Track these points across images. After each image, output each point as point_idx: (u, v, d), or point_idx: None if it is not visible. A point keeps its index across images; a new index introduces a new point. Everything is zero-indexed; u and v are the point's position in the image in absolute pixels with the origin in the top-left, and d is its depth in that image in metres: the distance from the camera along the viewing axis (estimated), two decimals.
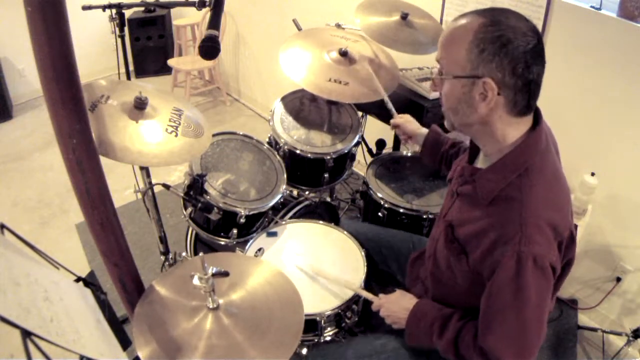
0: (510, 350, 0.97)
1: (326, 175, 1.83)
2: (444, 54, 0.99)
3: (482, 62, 0.91)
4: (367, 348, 1.25)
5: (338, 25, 2.06)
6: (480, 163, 1.11)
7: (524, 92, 0.93)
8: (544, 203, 0.94)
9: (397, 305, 1.24)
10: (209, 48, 1.19)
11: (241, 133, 1.79)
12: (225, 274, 1.03)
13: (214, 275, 1.01)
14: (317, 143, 1.82)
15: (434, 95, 1.87)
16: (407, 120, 1.63)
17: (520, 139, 0.98)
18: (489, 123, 0.98)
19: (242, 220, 1.53)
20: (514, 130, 0.98)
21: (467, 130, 1.05)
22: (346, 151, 1.83)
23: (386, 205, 1.70)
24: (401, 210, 1.67)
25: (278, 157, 1.77)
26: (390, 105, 1.69)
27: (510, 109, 0.95)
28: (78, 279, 0.98)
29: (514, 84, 0.92)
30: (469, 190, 1.05)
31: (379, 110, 1.71)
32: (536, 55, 0.91)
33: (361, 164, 2.49)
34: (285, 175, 1.71)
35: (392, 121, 1.67)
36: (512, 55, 0.89)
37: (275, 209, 1.69)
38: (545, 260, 0.92)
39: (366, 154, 2.27)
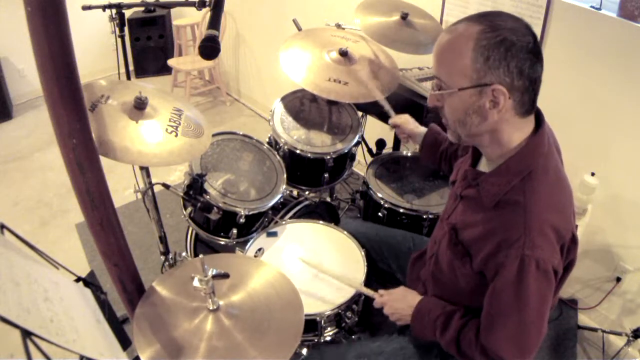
0: (511, 350, 0.98)
1: (326, 175, 1.83)
2: (444, 67, 0.97)
3: (489, 70, 0.90)
4: (365, 349, 1.25)
5: (338, 26, 2.06)
6: (483, 166, 1.11)
7: (530, 91, 0.93)
8: (547, 206, 0.94)
9: (401, 303, 1.24)
10: (209, 48, 1.19)
11: (241, 133, 1.79)
12: (225, 276, 1.03)
13: (214, 277, 1.01)
14: (317, 143, 1.82)
15: None
16: (405, 120, 1.63)
17: (523, 142, 0.98)
18: (498, 129, 0.97)
19: (242, 220, 1.53)
20: (519, 132, 0.98)
21: (475, 139, 1.03)
22: (346, 151, 1.83)
23: (386, 205, 1.70)
24: (401, 210, 1.67)
25: (278, 157, 1.77)
26: (387, 107, 1.69)
27: (518, 110, 0.95)
28: (78, 279, 0.98)
29: (521, 85, 0.92)
30: (473, 193, 1.05)
31: (379, 110, 1.71)
32: (536, 53, 0.91)
33: (361, 164, 2.49)
34: (285, 175, 1.71)
35: (390, 121, 1.66)
36: (518, 57, 0.89)
37: (275, 209, 1.69)
38: (548, 264, 0.92)
39: (366, 154, 2.26)
